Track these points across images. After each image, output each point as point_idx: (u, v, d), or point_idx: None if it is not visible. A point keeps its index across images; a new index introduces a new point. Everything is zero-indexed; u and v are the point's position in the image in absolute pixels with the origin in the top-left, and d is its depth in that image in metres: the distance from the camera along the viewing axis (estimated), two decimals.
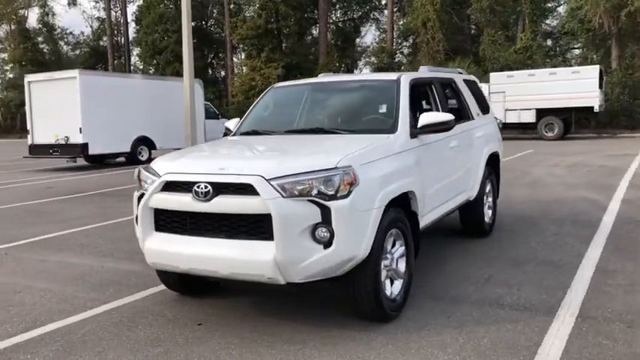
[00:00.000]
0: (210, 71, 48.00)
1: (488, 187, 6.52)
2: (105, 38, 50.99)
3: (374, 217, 3.73)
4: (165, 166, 4.07)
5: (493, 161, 6.74)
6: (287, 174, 3.60)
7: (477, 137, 6.14)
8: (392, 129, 4.56)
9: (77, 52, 54.36)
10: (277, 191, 3.53)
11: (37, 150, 17.55)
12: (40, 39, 51.23)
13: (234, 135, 5.30)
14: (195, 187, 3.74)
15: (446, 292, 4.64)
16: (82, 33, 57.52)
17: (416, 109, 5.33)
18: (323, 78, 5.76)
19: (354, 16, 45.80)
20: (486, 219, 6.47)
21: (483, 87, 18.71)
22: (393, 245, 4.19)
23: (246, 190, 3.59)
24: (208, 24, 47.79)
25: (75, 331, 4.01)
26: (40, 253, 6.38)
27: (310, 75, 37.27)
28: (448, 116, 4.74)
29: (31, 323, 4.20)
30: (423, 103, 5.90)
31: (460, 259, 5.55)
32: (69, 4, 51.14)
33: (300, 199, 3.54)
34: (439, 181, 5.04)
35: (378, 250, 3.84)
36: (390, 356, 3.48)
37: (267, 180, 3.56)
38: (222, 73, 48.03)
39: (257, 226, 3.60)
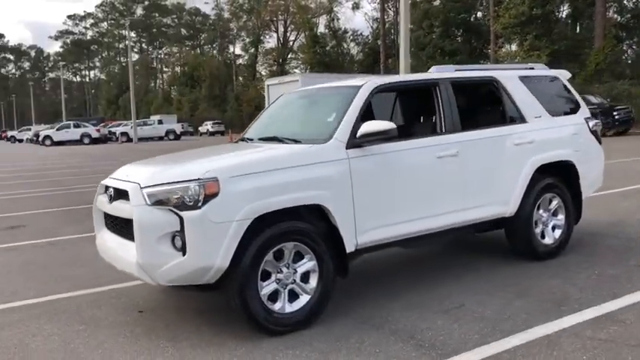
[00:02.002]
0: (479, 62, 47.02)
1: (546, 204, 5.55)
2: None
3: (234, 230, 3.77)
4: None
5: (563, 173, 5.68)
6: (157, 183, 3.91)
7: (516, 144, 5.29)
8: (328, 138, 4.40)
9: (358, 53, 58.77)
10: (144, 199, 3.87)
11: None
12: (326, 43, 56.91)
13: (236, 141, 5.66)
14: (108, 191, 4.33)
15: (376, 315, 4.31)
16: (362, 34, 61.93)
17: (384, 117, 4.94)
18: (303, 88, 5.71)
19: None
20: (543, 240, 5.53)
21: None
22: (299, 259, 4.11)
23: (127, 196, 4.02)
24: (477, 15, 46.82)
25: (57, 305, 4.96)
26: None
27: (580, 62, 33.77)
28: (387, 125, 4.36)
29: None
30: (418, 108, 5.34)
31: (448, 280, 4.98)
32: (353, 8, 55.72)
33: (162, 207, 3.82)
34: (403, 194, 4.61)
35: (254, 263, 3.86)
36: None
37: (141, 188, 3.93)
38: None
39: (132, 230, 4.00)
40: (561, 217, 5.70)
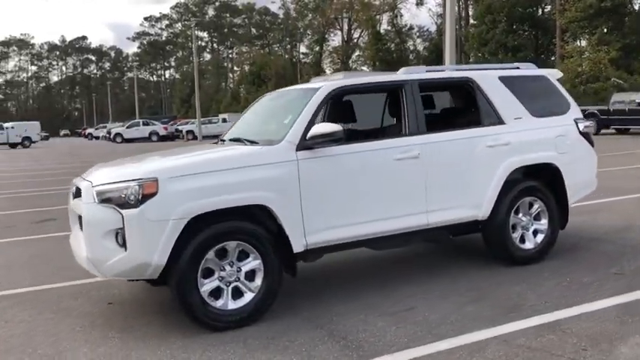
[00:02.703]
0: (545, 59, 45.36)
1: (525, 207, 5.41)
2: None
3: (170, 228, 3.95)
4: None
5: (546, 176, 5.51)
6: (105, 182, 4.15)
7: (488, 146, 5.19)
8: (281, 140, 4.50)
9: (423, 49, 58.03)
10: (93, 197, 4.12)
11: None
12: (389, 40, 56.55)
13: (215, 142, 5.81)
14: (71, 189, 4.62)
15: (323, 315, 4.37)
16: (428, 30, 61.11)
17: (341, 119, 4.96)
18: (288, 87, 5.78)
19: None
20: (522, 244, 5.40)
21: None
22: (245, 258, 4.25)
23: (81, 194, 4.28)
24: (544, 9, 45.11)
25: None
26: None
27: None
28: (333, 127, 4.42)
29: None
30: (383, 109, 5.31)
31: (410, 283, 4.94)
32: (417, 4, 55.08)
33: (108, 205, 4.05)
34: (357, 195, 4.63)
35: (193, 261, 4.03)
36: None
37: (92, 186, 4.18)
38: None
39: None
40: (544, 221, 5.53)
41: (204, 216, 4.07)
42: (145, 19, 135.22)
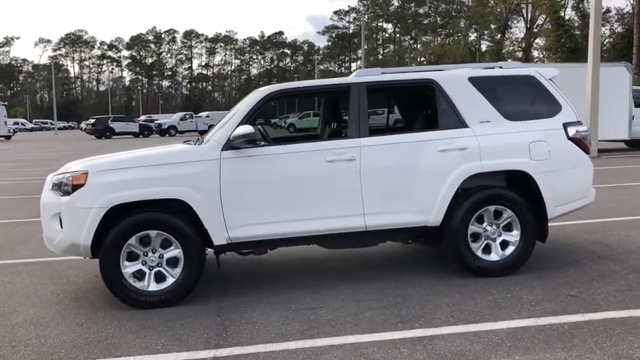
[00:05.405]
0: None
1: (490, 216, 5.10)
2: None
3: (93, 215, 4.57)
4: None
5: (520, 183, 5.16)
6: (60, 173, 4.91)
7: (440, 150, 4.98)
8: (211, 140, 4.90)
9: (607, 36, 52.18)
10: (49, 184, 4.92)
11: None
12: (573, 26, 51.86)
13: None
14: None
15: (230, 306, 4.67)
16: (628, 13, 54.64)
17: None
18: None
19: None
20: (486, 256, 5.11)
21: None
22: (169, 246, 4.74)
23: None
24: None
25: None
26: None
27: None
28: (247, 129, 4.71)
29: None
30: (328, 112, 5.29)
31: (341, 282, 4.97)
32: None
33: (56, 192, 4.82)
34: (283, 194, 4.81)
35: (115, 245, 4.62)
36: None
37: (53, 175, 4.98)
38: None
39: None
40: (515, 232, 5.15)
41: (127, 206, 4.63)
42: (335, 12, 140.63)
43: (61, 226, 4.73)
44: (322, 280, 5.28)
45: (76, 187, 4.64)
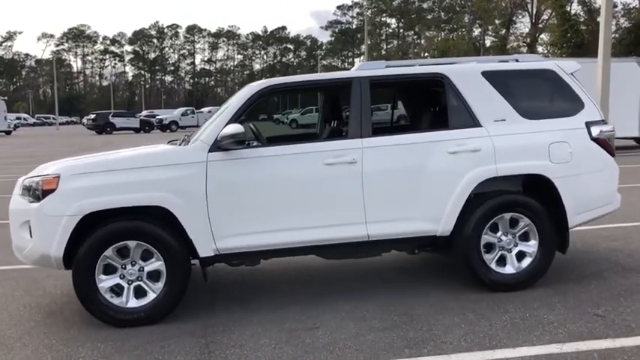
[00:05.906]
0: None
1: (506, 225, 4.63)
2: None
3: (65, 223, 4.09)
4: None
5: (540, 189, 4.66)
6: (31, 176, 4.44)
7: (450, 152, 4.51)
8: (197, 140, 4.43)
9: (615, 30, 51.33)
10: (19, 189, 4.45)
11: None
12: (578, 21, 51.03)
13: None
14: None
15: (219, 324, 4.21)
16: (635, 8, 53.89)
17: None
18: None
19: None
20: (500, 268, 4.64)
21: None
22: (149, 258, 4.27)
23: None
24: None
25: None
26: None
27: None
28: (235, 129, 4.24)
29: None
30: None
31: (349, 301, 4.50)
32: None
33: (26, 197, 4.35)
34: (277, 201, 4.34)
35: (91, 255, 4.15)
36: None
37: (25, 179, 4.51)
38: None
39: None
40: (533, 242, 4.68)
41: (103, 214, 4.16)
42: (338, 7, 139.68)
43: (31, 236, 4.27)
44: (320, 294, 4.81)
45: (46, 193, 4.17)
